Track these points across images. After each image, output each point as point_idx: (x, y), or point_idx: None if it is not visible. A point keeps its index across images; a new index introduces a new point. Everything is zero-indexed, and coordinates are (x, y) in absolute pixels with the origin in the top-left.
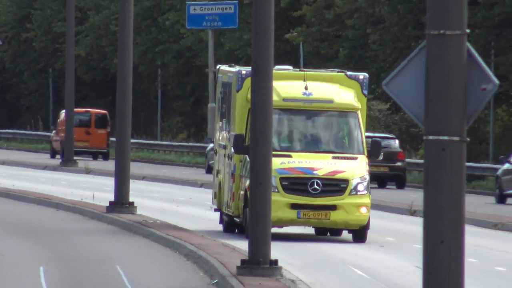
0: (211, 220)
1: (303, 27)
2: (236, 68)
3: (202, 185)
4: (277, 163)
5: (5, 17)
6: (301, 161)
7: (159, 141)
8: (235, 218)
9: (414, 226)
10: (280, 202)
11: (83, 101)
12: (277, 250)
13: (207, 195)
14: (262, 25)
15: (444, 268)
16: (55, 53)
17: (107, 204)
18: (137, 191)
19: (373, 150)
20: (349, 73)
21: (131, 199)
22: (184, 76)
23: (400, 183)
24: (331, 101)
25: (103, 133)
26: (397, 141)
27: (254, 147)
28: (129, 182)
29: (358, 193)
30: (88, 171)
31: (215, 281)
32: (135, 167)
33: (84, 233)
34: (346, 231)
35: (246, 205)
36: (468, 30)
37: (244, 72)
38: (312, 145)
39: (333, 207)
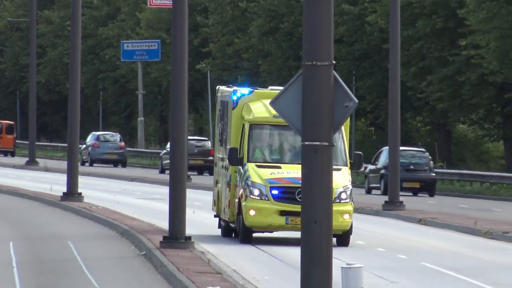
0: (139, 205)
1: (210, 60)
2: (232, 88)
3: (133, 179)
4: (267, 173)
5: None
6: (289, 171)
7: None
8: (230, 224)
9: None
10: (270, 209)
11: (43, 116)
12: (191, 228)
13: (137, 187)
14: (178, 58)
15: (318, 242)
16: (21, 80)
17: (61, 194)
18: (85, 184)
19: (355, 162)
20: None
21: (79, 191)
22: (120, 96)
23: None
24: None
25: (11, 137)
26: (209, 142)
27: (173, 151)
28: (77, 177)
29: (342, 201)
30: (47, 169)
31: (143, 253)
32: (83, 166)
33: (43, 217)
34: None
35: (239, 212)
36: (334, 62)
37: (239, 92)
38: (300, 157)
39: None
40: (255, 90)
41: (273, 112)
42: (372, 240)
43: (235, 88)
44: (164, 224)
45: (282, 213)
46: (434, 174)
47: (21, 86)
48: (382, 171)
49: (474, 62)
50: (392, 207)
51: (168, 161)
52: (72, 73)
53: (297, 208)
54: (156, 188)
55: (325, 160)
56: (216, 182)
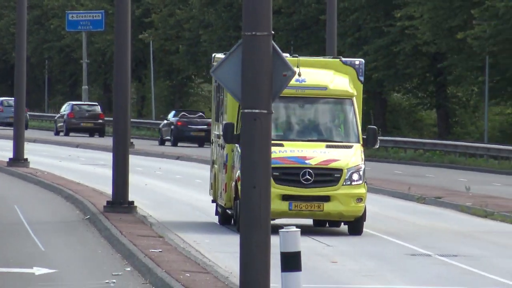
0: (83, 171)
1: (152, 30)
2: None
3: (78, 145)
4: None
5: None
6: (293, 150)
7: (46, 113)
8: (227, 210)
9: None
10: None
11: None
12: (133, 194)
13: (82, 153)
14: (121, 29)
15: (256, 207)
16: None
17: (7, 160)
18: (30, 150)
19: (369, 138)
20: (344, 59)
21: (25, 156)
22: (64, 66)
23: (101, 134)
24: (325, 88)
25: None
26: (99, 107)
27: (116, 118)
28: (23, 144)
29: (353, 183)
30: None
31: (87, 217)
32: (28, 133)
33: None
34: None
35: (237, 196)
36: (273, 32)
37: None
38: (305, 133)
39: (326, 198)
40: None
41: None
42: None
43: None
44: (108, 189)
45: (285, 197)
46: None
47: None
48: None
49: (408, 33)
50: None
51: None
52: (18, 42)
53: (302, 192)
54: (100, 154)
55: (264, 127)
56: (213, 163)
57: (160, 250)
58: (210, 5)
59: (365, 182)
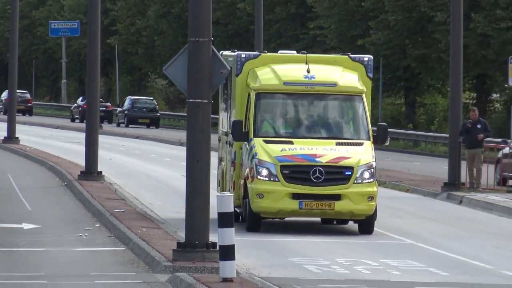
0: (62, 147)
1: (117, 36)
2: (236, 52)
3: (58, 127)
4: (277, 150)
5: None
6: (303, 147)
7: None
8: (236, 208)
9: (183, 152)
10: (280, 192)
11: None
12: (101, 165)
13: (60, 133)
14: (93, 35)
15: (199, 176)
16: None
17: (2, 138)
18: (20, 131)
19: (380, 135)
20: (353, 55)
21: (17, 135)
22: (48, 64)
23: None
24: (334, 84)
25: None
26: (29, 94)
27: (88, 105)
28: (15, 125)
29: (364, 181)
30: None
31: (65, 183)
32: (18, 117)
33: None
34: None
35: (245, 195)
36: (212, 38)
37: (243, 55)
38: (315, 130)
39: (337, 197)
40: (262, 54)
41: (284, 78)
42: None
43: (239, 52)
44: (81, 162)
45: (295, 196)
46: (158, 114)
47: None
48: (125, 112)
49: (319, 40)
50: None
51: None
52: (11, 45)
53: (312, 190)
54: (75, 134)
55: (205, 113)
56: (220, 160)
57: (122, 210)
58: (163, 17)
59: (376, 180)
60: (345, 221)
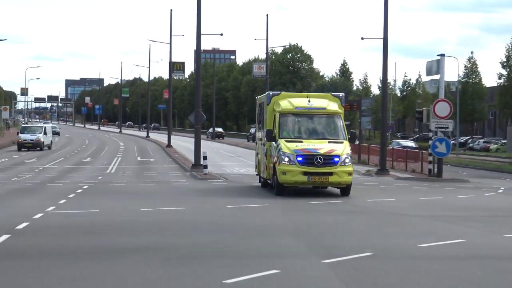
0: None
1: None
2: (267, 92)
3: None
4: (293, 146)
5: None
6: (309, 144)
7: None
8: (268, 180)
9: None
10: (296, 171)
11: None
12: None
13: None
14: None
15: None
16: None
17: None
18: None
19: (352, 137)
20: (333, 93)
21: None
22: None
23: None
24: (324, 108)
25: None
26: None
27: None
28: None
29: (346, 164)
30: None
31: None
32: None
33: None
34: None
35: (274, 173)
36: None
37: (271, 93)
38: (315, 134)
39: (330, 173)
40: (282, 92)
41: (295, 105)
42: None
43: (269, 91)
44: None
45: (305, 173)
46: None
47: None
48: None
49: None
50: None
51: None
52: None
53: (315, 169)
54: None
55: (198, 132)
56: (257, 154)
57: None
58: None
59: (351, 163)
60: (326, 187)
